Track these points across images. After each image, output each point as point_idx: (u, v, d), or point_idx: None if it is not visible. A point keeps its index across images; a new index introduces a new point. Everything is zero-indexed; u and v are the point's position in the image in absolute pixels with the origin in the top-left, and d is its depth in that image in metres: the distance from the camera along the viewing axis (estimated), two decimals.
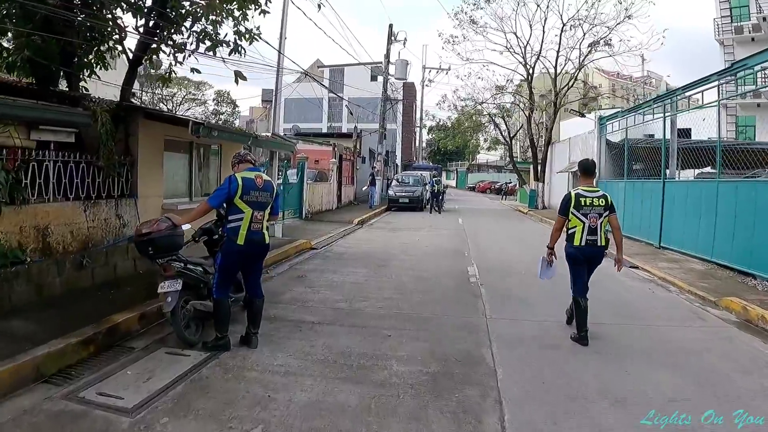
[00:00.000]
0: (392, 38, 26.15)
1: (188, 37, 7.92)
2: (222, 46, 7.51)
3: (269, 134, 12.55)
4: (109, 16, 7.53)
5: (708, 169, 13.14)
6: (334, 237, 13.06)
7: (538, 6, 24.20)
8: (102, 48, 8.09)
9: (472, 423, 3.45)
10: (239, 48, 7.60)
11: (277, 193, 4.88)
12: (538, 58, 25.63)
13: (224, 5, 7.55)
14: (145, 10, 7.46)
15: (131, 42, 8.17)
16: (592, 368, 4.52)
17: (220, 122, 41.03)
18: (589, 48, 23.54)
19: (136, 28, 7.70)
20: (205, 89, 57.25)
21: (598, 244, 5.23)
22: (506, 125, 31.97)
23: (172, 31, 7.92)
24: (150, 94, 45.39)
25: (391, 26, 26.28)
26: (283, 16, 13.75)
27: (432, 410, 3.60)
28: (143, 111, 7.83)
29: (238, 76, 7.33)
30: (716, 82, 11.18)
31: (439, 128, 50.56)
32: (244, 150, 4.93)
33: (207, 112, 55.21)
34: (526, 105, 27.75)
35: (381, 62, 27.67)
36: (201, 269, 4.98)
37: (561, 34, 24.10)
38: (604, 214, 5.25)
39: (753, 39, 27.46)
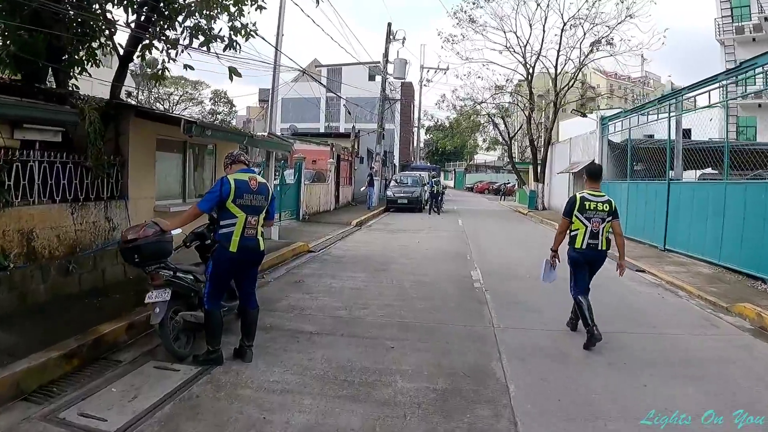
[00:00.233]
0: (391, 37, 25.87)
1: (182, 33, 7.64)
2: (216, 41, 7.21)
3: (265, 134, 12.24)
4: (99, 11, 7.22)
5: (708, 170, 12.99)
6: (332, 239, 12.78)
7: (538, 5, 23.99)
8: (93, 45, 7.79)
9: None
10: (234, 44, 7.30)
11: (273, 197, 4.59)
12: (538, 58, 25.43)
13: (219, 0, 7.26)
14: (136, 5, 7.15)
15: (122, 38, 7.88)
16: (607, 382, 4.27)
17: (217, 122, 40.69)
18: (591, 47, 23.32)
19: (128, 24, 7.41)
20: (201, 89, 57.13)
21: (599, 248, 5.27)
22: (506, 125, 31.74)
23: (165, 26, 7.64)
24: (146, 93, 45.22)
25: (389, 25, 26.06)
26: (280, 11, 13.46)
27: None
28: (134, 109, 7.51)
29: (233, 72, 7.04)
30: (724, 82, 10.96)
31: (437, 128, 50.33)
32: (238, 150, 4.60)
33: (204, 112, 54.96)
34: (526, 105, 27.52)
35: (379, 62, 27.42)
36: (191, 277, 4.67)
37: (562, 34, 23.90)
38: (607, 219, 5.27)
39: (754, 39, 27.32)
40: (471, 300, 6.97)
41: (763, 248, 8.29)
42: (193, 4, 7.28)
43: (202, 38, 7.14)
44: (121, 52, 7.65)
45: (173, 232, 4.65)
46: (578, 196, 5.36)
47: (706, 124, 12.40)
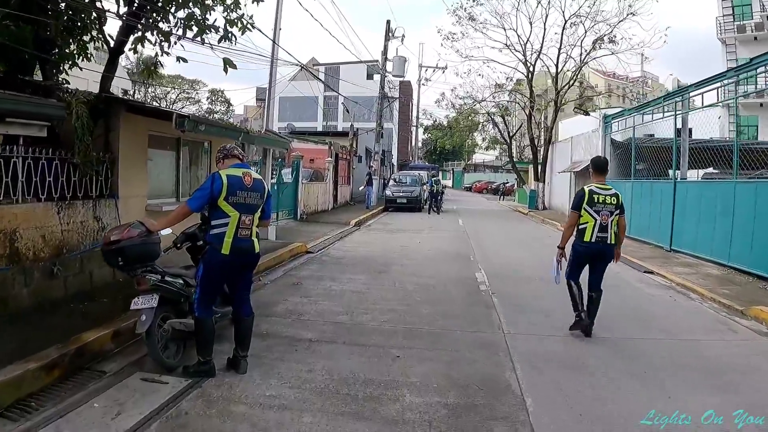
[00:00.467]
0: (390, 34, 25.54)
1: (176, 25, 7.32)
2: (210, 32, 6.88)
3: (262, 130, 11.90)
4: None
5: (710, 169, 12.78)
6: (331, 239, 12.45)
7: (539, 2, 23.71)
8: (85, 38, 7.47)
9: None
10: (229, 35, 6.97)
11: (269, 194, 4.23)
12: (538, 56, 25.15)
13: None
14: None
15: (113, 30, 7.54)
16: (630, 393, 3.97)
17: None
18: (594, 44, 23.02)
19: (119, 15, 7.07)
20: (198, 88, 56.70)
21: (608, 241, 5.26)
22: (505, 124, 31.45)
23: (159, 18, 7.31)
24: (142, 91, 44.79)
25: (388, 22, 25.69)
26: (277, 3, 13.09)
27: None
28: (125, 103, 7.17)
29: (228, 63, 6.71)
30: (731, 79, 10.69)
31: (435, 127, 50.04)
32: (232, 144, 4.24)
33: (201, 111, 54.53)
34: (527, 104, 27.24)
35: (378, 60, 27.08)
36: (181, 281, 4.32)
37: (563, 32, 23.61)
38: (615, 213, 5.28)
39: (756, 38, 27.11)
40: (478, 304, 6.65)
41: None
42: None
43: (196, 29, 6.79)
44: (113, 44, 7.34)
45: (163, 232, 4.32)
46: (586, 189, 5.33)
47: (708, 123, 12.20)
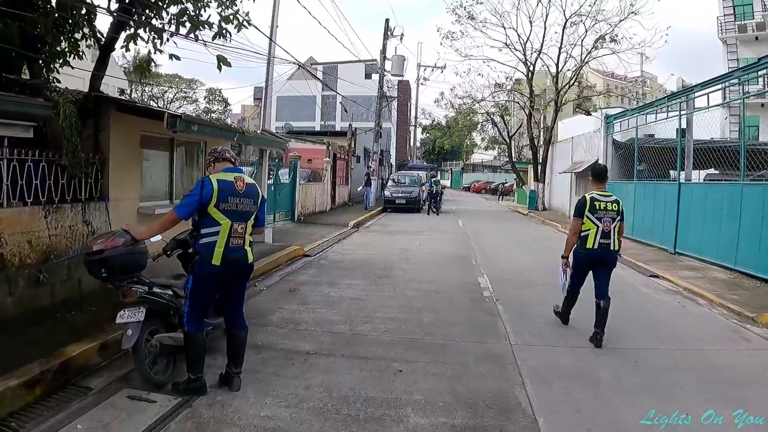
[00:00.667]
0: (388, 33, 25.29)
1: (169, 22, 7.07)
2: (204, 28, 6.62)
3: (258, 130, 11.64)
4: None
5: (711, 170, 12.61)
6: (329, 242, 12.21)
7: (539, 1, 23.48)
8: (77, 35, 7.21)
9: None
10: (224, 31, 6.72)
11: (263, 200, 3.95)
12: (539, 55, 24.93)
13: None
14: None
15: (104, 27, 7.29)
16: (647, 411, 3.70)
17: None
18: (595, 43, 22.80)
19: (110, 11, 6.82)
20: (196, 87, 56.41)
21: (612, 247, 5.29)
22: (505, 124, 31.23)
23: (152, 14, 7.06)
24: (139, 90, 44.49)
25: (387, 21, 25.44)
26: (274, 0, 12.81)
27: None
28: (115, 103, 6.91)
29: (222, 61, 6.44)
30: (737, 79, 10.48)
31: (434, 127, 49.83)
32: (223, 147, 3.96)
33: (198, 110, 54.23)
34: (526, 104, 27.02)
35: (376, 60, 26.83)
36: (171, 292, 4.06)
37: (563, 30, 23.38)
38: (617, 219, 5.31)
39: (757, 38, 26.97)
40: (482, 312, 6.41)
41: None
42: None
43: (189, 25, 6.54)
44: (103, 41, 7.09)
45: (152, 239, 4.07)
46: (588, 197, 5.38)
47: (709, 124, 12.03)
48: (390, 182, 25.63)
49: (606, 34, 22.40)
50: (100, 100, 6.84)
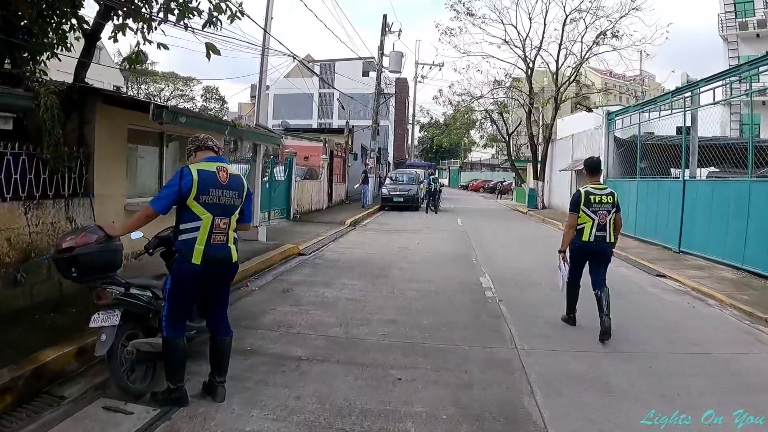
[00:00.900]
0: (386, 29, 24.98)
1: (159, 11, 6.76)
2: (193, 15, 6.30)
3: (251, 124, 11.31)
4: None
5: (712, 168, 12.35)
6: (325, 240, 11.89)
7: None
8: (65, 27, 6.90)
9: None
10: (214, 19, 6.40)
11: (249, 193, 3.61)
12: (538, 52, 24.63)
13: None
14: None
15: (91, 15, 6.97)
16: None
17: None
18: (597, 39, 22.51)
19: None
20: (193, 85, 55.99)
21: (608, 239, 5.36)
22: (504, 121, 30.94)
23: (140, 2, 6.74)
24: (136, 88, 44.10)
25: (385, 16, 25.15)
26: None
27: None
28: (101, 94, 6.59)
29: (211, 49, 6.12)
30: (747, 73, 10.21)
31: (431, 125, 49.53)
32: (206, 135, 3.61)
33: (195, 108, 53.81)
34: (526, 101, 26.74)
35: (374, 57, 26.51)
36: (150, 294, 3.74)
37: (563, 27, 23.08)
38: (612, 211, 5.37)
39: (758, 35, 26.76)
40: (485, 313, 6.09)
41: None
42: None
43: (177, 12, 6.23)
44: (90, 29, 6.77)
45: (133, 236, 3.77)
46: (582, 191, 5.43)
47: (710, 121, 11.78)
48: (388, 180, 25.32)
49: (607, 30, 22.12)
50: (85, 91, 6.52)
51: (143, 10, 6.79)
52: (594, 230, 5.27)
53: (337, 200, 23.20)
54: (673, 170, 12.83)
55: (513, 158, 34.16)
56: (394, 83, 39.98)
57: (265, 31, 12.06)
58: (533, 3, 24.22)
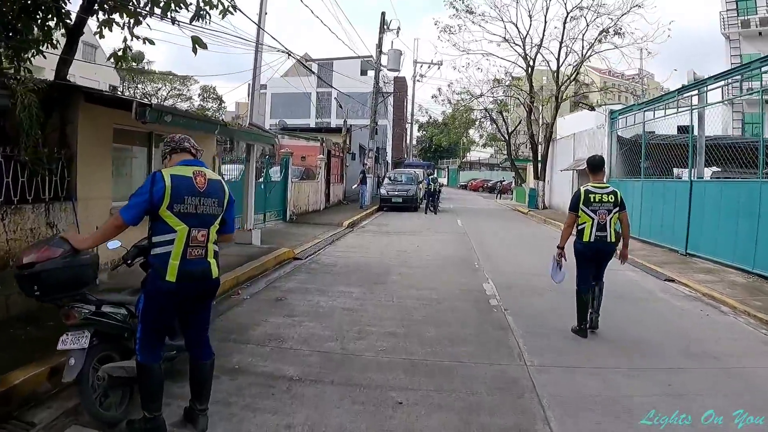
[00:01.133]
0: (385, 27, 24.65)
1: (146, 5, 6.44)
2: (180, 8, 5.97)
3: (242, 123, 10.96)
4: None
5: (714, 168, 12.08)
6: (322, 243, 11.55)
7: None
8: (50, 23, 6.59)
9: None
10: (202, 12, 6.06)
11: (231, 200, 3.23)
12: (539, 50, 24.33)
13: None
14: None
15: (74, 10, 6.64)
16: None
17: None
18: (599, 36, 22.21)
19: None
20: (190, 84, 55.50)
21: (608, 240, 5.28)
22: (504, 120, 30.62)
23: None
24: (132, 88, 43.68)
25: (383, 14, 24.81)
26: None
27: None
28: (83, 92, 6.25)
29: (197, 43, 5.80)
30: (758, 70, 9.89)
31: (430, 124, 49.25)
32: (183, 135, 3.24)
33: (192, 108, 53.37)
34: (526, 100, 26.43)
35: (372, 56, 26.19)
36: (124, 311, 3.38)
37: (564, 24, 22.77)
38: (614, 211, 5.29)
39: (760, 33, 26.48)
40: (490, 325, 5.74)
41: None
42: None
43: (163, 4, 5.90)
44: (72, 24, 6.45)
45: (110, 246, 3.43)
46: (582, 189, 5.39)
47: (712, 121, 11.51)
48: (386, 180, 24.98)
49: (610, 28, 21.83)
50: (67, 89, 6.19)
51: (130, 4, 6.48)
52: (594, 230, 5.22)
53: (334, 201, 22.87)
54: (675, 170, 12.55)
55: (513, 158, 33.86)
56: (392, 82, 39.60)
57: (258, 26, 11.72)
58: (533, 0, 24.09)
